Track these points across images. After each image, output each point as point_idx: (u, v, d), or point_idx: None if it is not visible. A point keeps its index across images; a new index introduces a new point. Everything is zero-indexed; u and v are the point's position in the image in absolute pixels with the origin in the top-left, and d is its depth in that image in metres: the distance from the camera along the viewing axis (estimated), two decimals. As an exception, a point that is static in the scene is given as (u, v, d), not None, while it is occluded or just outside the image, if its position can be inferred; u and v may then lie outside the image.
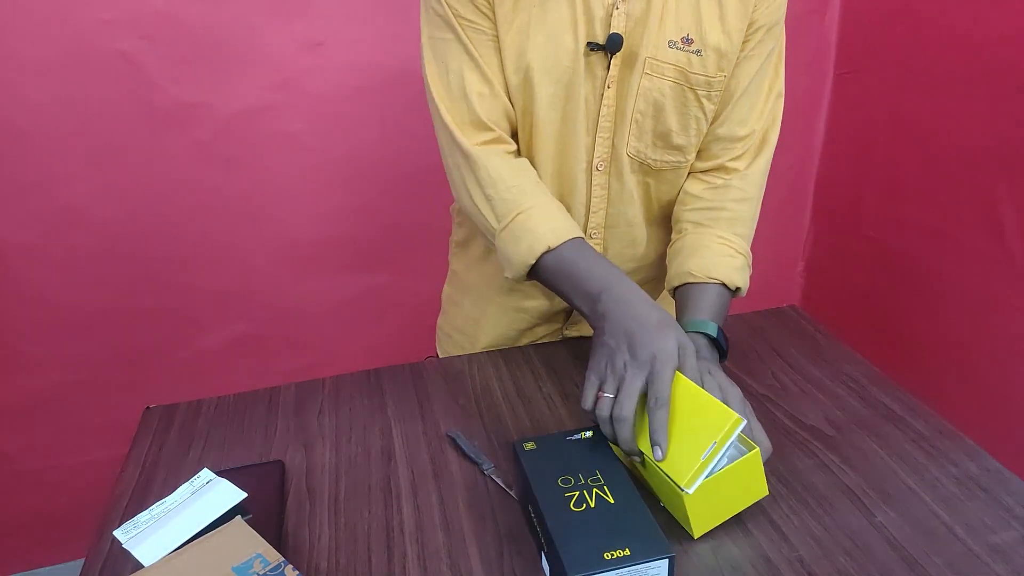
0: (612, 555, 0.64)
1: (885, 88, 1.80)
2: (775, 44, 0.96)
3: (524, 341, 1.13)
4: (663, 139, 0.95)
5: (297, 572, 0.66)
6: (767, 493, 0.76)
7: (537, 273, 0.90)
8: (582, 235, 0.90)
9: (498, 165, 0.90)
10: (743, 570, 0.70)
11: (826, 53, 1.93)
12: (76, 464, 1.79)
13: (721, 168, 0.99)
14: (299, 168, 1.68)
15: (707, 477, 0.70)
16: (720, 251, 0.96)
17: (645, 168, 0.98)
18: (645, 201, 1.02)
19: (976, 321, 1.65)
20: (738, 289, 0.95)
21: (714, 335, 0.88)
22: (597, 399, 0.77)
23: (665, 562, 0.65)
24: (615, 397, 0.76)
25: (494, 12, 0.88)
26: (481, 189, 0.91)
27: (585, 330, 1.12)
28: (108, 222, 1.60)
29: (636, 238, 1.04)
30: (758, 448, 0.73)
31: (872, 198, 1.90)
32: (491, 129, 0.91)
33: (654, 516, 0.69)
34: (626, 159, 0.96)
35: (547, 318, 1.10)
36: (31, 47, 1.44)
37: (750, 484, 0.75)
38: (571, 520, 0.68)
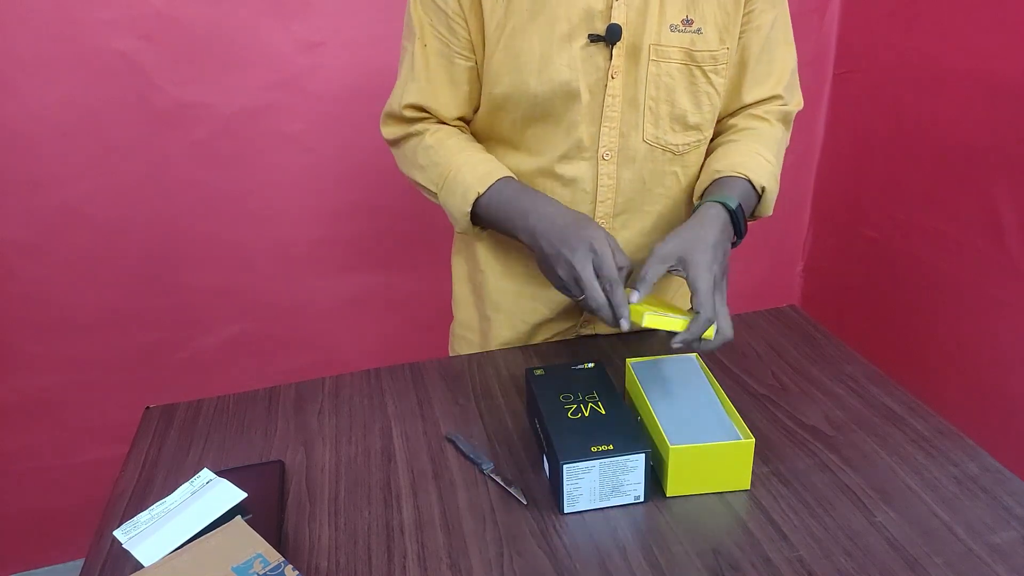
0: (598, 448, 0.76)
1: (885, 88, 1.80)
2: (777, 14, 0.98)
3: (539, 338, 1.12)
4: (680, 121, 0.97)
5: (297, 572, 0.66)
6: (748, 487, 0.79)
7: (479, 219, 0.99)
8: (509, 175, 0.97)
9: (428, 141, 0.99)
10: (743, 570, 0.70)
11: (826, 53, 1.93)
12: (76, 464, 1.79)
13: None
14: (299, 168, 1.68)
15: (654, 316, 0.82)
16: (749, 150, 0.99)
17: (669, 156, 0.99)
18: (675, 190, 1.03)
19: (976, 321, 1.65)
20: (764, 189, 0.97)
21: (732, 206, 0.91)
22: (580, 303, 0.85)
23: (642, 456, 0.76)
24: (584, 295, 0.84)
25: (478, 30, 0.93)
26: (416, 166, 1.01)
27: (600, 328, 1.11)
28: (108, 222, 1.60)
29: (646, 225, 1.04)
30: (753, 439, 0.77)
31: (872, 198, 1.90)
32: (413, 121, 1.00)
33: (638, 423, 0.77)
34: (642, 147, 0.97)
35: (563, 311, 1.10)
36: (31, 47, 1.44)
37: (735, 470, 0.78)
38: (567, 425, 0.80)
